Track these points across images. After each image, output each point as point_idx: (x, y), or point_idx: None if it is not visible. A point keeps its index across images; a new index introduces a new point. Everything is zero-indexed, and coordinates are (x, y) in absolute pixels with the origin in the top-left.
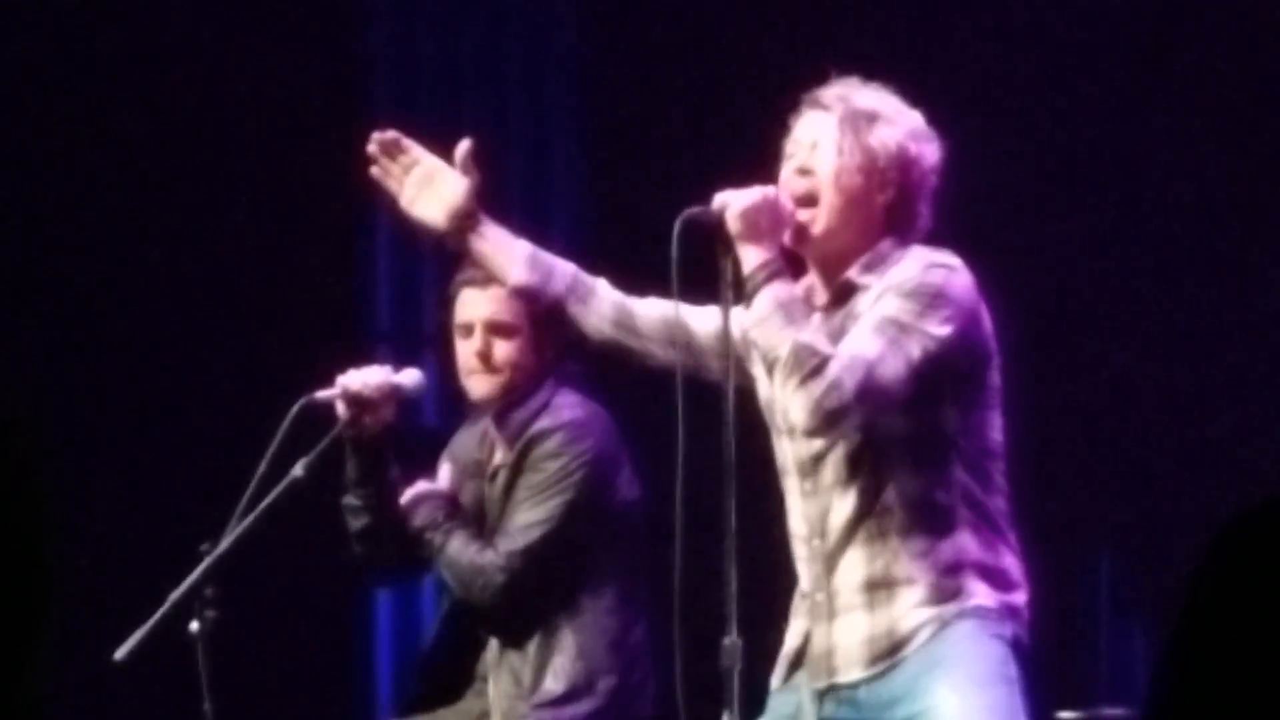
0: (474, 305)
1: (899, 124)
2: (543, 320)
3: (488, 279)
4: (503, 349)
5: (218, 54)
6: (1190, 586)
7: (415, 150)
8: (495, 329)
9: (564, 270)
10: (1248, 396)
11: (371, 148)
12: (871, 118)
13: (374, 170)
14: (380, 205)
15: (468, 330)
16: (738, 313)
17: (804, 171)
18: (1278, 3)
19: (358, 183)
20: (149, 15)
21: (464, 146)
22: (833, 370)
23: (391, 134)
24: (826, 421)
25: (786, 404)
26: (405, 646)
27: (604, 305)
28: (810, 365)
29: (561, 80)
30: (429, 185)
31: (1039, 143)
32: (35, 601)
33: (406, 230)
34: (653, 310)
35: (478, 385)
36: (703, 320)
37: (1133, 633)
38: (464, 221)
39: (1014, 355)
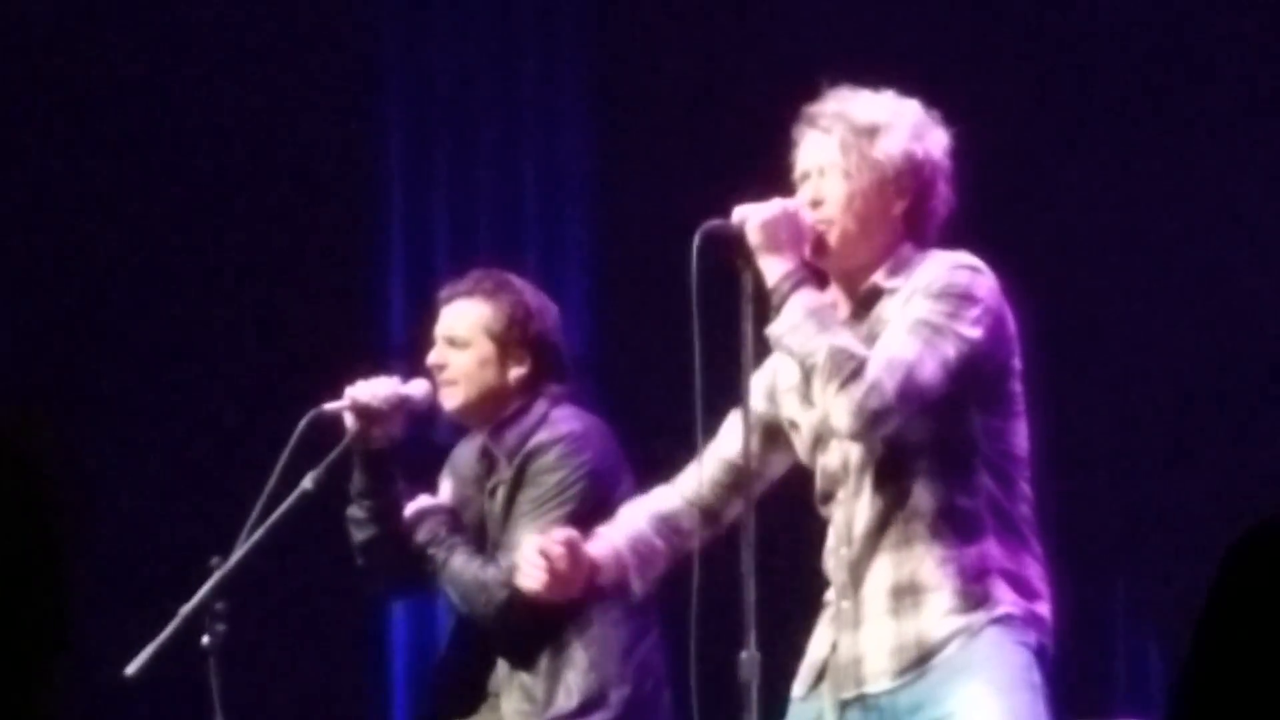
0: (439, 321)
1: (899, 128)
2: (507, 338)
3: (451, 295)
4: (456, 359)
5: (229, 70)
6: (1207, 601)
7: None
8: (450, 341)
9: (657, 538)
10: (1267, 412)
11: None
12: (872, 131)
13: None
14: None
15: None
16: (763, 375)
17: (816, 203)
18: None
19: (370, 195)
20: (161, 30)
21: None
22: (872, 372)
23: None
24: (869, 423)
25: (827, 409)
26: (420, 660)
27: (693, 525)
28: (849, 369)
29: (575, 91)
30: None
31: (1073, 157)
32: (53, 619)
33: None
34: (711, 489)
35: (443, 398)
36: (730, 445)
37: (1149, 645)
38: (589, 581)
39: (1032, 367)
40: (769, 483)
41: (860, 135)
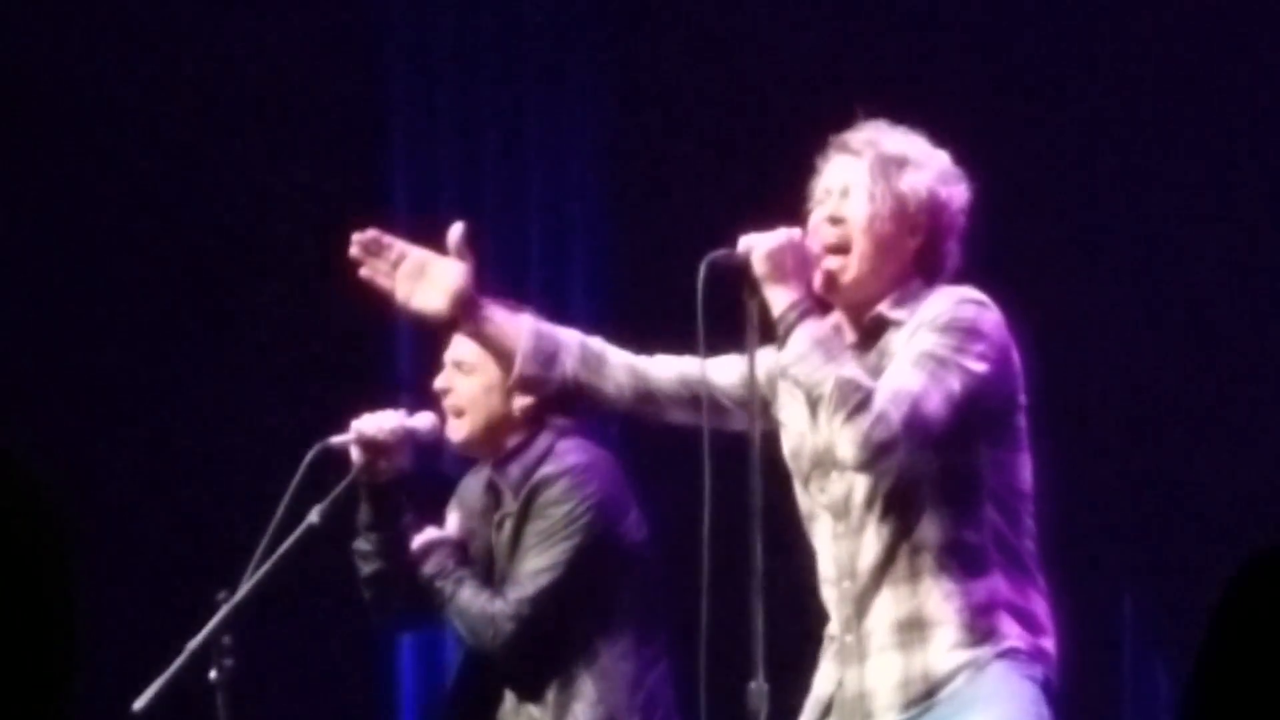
0: (450, 346)
1: (928, 168)
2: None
3: None
4: (462, 385)
5: (236, 84)
6: (1212, 624)
7: (398, 245)
8: (457, 366)
9: (570, 346)
10: (1273, 431)
11: (354, 250)
12: (901, 163)
13: (363, 271)
14: (377, 301)
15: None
16: (764, 354)
17: (835, 220)
18: None
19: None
20: (161, 32)
21: (456, 231)
22: (878, 404)
23: (371, 233)
24: (875, 455)
25: (833, 440)
26: (428, 693)
27: (619, 374)
28: (855, 400)
29: (582, 114)
30: (422, 276)
31: (1077, 192)
32: (59, 655)
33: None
34: (668, 371)
35: (449, 430)
36: (722, 372)
37: (1156, 669)
38: (465, 306)
39: (1038, 389)
40: (714, 410)
41: (889, 164)
